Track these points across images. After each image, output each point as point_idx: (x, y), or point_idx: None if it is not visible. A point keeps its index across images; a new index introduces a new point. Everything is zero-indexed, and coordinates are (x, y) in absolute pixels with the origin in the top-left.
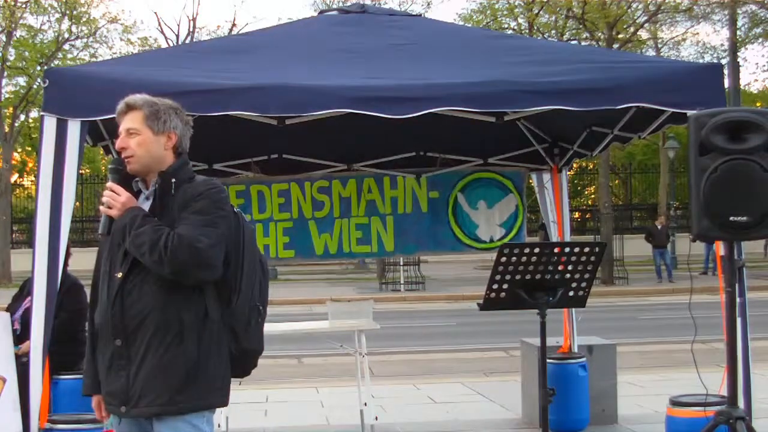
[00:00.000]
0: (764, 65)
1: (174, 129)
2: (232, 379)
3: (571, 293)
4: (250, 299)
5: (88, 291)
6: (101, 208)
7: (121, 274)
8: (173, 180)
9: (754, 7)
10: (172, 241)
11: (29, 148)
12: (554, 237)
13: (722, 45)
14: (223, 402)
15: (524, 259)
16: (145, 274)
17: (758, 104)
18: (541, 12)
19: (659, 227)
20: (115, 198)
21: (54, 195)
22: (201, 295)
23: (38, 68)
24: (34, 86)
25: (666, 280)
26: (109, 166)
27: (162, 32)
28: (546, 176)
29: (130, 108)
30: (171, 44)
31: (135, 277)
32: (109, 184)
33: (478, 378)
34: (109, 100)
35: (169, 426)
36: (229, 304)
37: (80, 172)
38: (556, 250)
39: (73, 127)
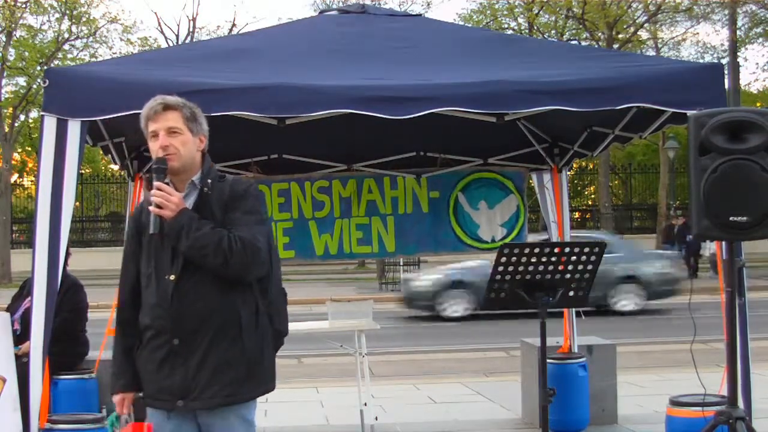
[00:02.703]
0: (764, 65)
1: (205, 132)
2: None
3: (571, 293)
4: (278, 284)
5: (88, 291)
6: (151, 208)
7: (173, 276)
8: (209, 180)
9: (754, 7)
10: (236, 244)
11: (29, 148)
12: (554, 237)
13: (722, 45)
14: (275, 385)
15: (524, 259)
16: (199, 275)
17: (758, 104)
18: (541, 12)
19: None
20: (167, 198)
21: (54, 195)
22: (252, 290)
23: (38, 68)
24: (34, 86)
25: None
26: (154, 166)
27: (162, 32)
28: (546, 176)
29: (168, 107)
30: (171, 44)
31: (190, 278)
32: (158, 183)
33: (478, 378)
34: (109, 100)
35: (223, 415)
36: (266, 291)
37: (80, 172)
38: (556, 250)
39: (73, 127)
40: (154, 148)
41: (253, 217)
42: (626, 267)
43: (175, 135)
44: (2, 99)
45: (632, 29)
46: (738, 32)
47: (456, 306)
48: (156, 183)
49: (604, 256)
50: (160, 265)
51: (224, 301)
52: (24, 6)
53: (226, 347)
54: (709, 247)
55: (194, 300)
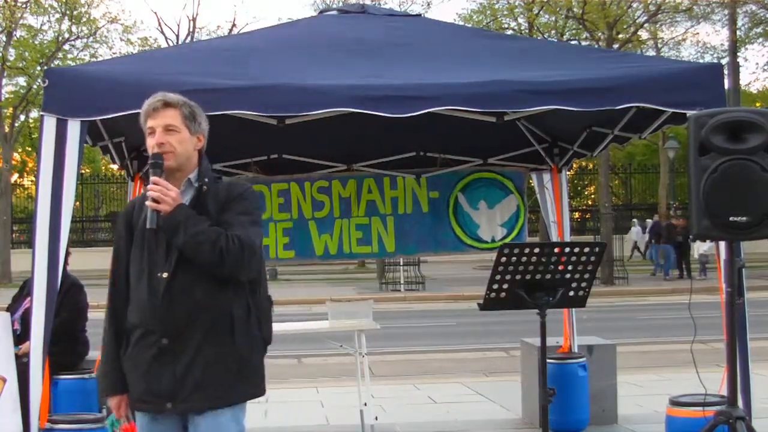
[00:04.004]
0: (764, 65)
1: (204, 131)
2: None
3: (571, 293)
4: (266, 289)
5: (88, 291)
6: (148, 203)
7: (166, 273)
8: (206, 179)
9: (754, 7)
10: (233, 243)
11: (29, 148)
12: (554, 237)
13: (722, 45)
14: (264, 391)
15: (524, 259)
16: (192, 272)
17: (758, 104)
18: (541, 12)
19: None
20: (165, 192)
21: (54, 195)
22: (244, 290)
23: (38, 68)
24: (34, 86)
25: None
26: (150, 161)
27: (162, 32)
28: (546, 176)
29: (168, 105)
30: (171, 44)
31: (183, 275)
32: (155, 178)
33: (478, 378)
34: (109, 100)
35: (213, 418)
36: (257, 294)
37: (80, 172)
38: (556, 250)
39: (73, 127)
40: (151, 144)
41: (249, 218)
42: None
43: (172, 133)
44: (2, 99)
45: (632, 29)
46: (738, 32)
47: None
48: (153, 177)
49: None
50: (154, 262)
51: (216, 299)
52: (24, 6)
53: (216, 347)
54: (697, 248)
55: (185, 298)
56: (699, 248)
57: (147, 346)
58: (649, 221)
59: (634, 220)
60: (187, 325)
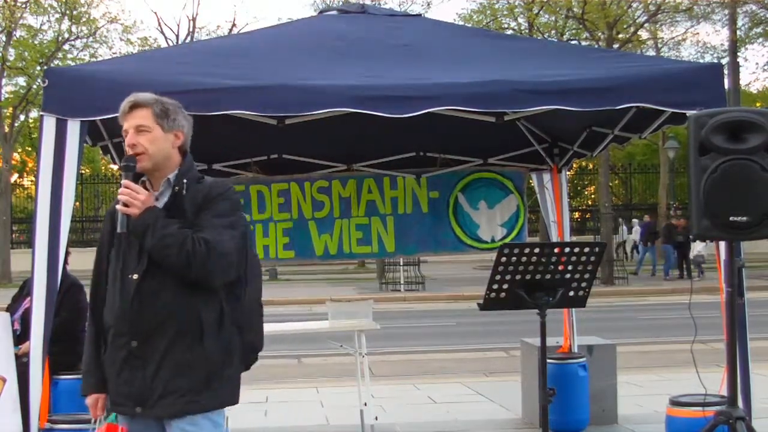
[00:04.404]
0: (764, 65)
1: (181, 128)
2: None
3: (571, 293)
4: (253, 295)
5: (88, 291)
6: (118, 206)
7: (136, 275)
8: (185, 180)
9: (754, 7)
10: (200, 246)
11: (29, 148)
12: (554, 237)
13: (722, 45)
14: (238, 399)
15: (524, 259)
16: (162, 275)
17: (758, 104)
18: (541, 12)
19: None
20: (134, 196)
21: (54, 195)
22: (217, 295)
23: (38, 68)
24: (34, 86)
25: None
26: (122, 164)
27: (162, 32)
28: (546, 176)
29: (139, 105)
30: (171, 44)
31: (152, 278)
32: (126, 181)
33: (478, 378)
34: (109, 100)
35: (189, 422)
36: (238, 300)
37: (80, 172)
38: (556, 250)
39: (73, 127)
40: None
41: (223, 220)
42: None
43: (143, 133)
44: (2, 99)
45: (632, 29)
46: (738, 32)
47: None
48: (123, 181)
49: None
50: (126, 263)
51: (185, 303)
52: (24, 6)
53: (184, 352)
54: (692, 248)
55: (154, 301)
56: (694, 249)
57: (118, 347)
58: (635, 221)
59: (634, 220)
60: (156, 329)
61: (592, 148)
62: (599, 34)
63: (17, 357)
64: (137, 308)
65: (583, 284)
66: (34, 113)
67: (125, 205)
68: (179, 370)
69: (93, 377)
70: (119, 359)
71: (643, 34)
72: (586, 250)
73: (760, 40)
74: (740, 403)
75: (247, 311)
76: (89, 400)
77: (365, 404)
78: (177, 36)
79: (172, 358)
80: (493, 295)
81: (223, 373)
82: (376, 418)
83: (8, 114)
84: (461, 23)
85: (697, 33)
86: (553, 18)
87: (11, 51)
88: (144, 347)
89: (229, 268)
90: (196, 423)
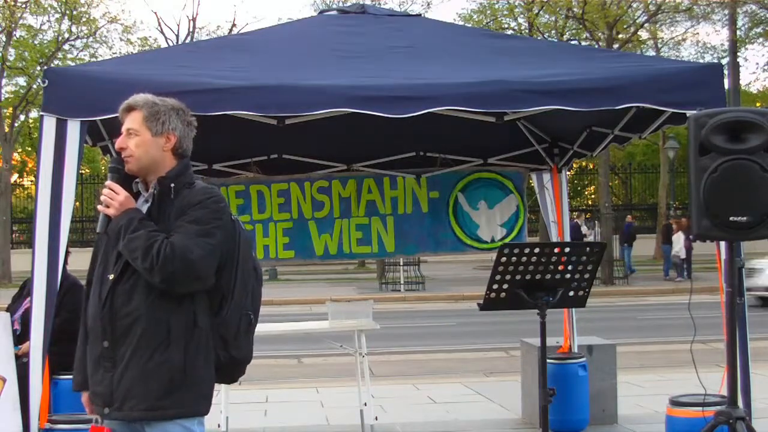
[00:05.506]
0: (764, 65)
1: (173, 130)
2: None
3: (571, 293)
4: (241, 308)
5: None
6: (99, 207)
7: (113, 276)
8: (172, 185)
9: (754, 7)
10: (165, 250)
11: (29, 148)
12: (554, 237)
13: (722, 45)
14: (207, 410)
15: (524, 259)
16: (137, 277)
17: (758, 104)
18: (541, 12)
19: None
20: (113, 197)
21: (54, 195)
22: (191, 303)
23: (38, 68)
24: (34, 86)
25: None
26: (109, 165)
27: (162, 32)
28: (546, 176)
29: (131, 108)
30: (171, 44)
31: (127, 280)
32: (108, 182)
33: (478, 378)
34: (109, 100)
35: (160, 429)
36: (220, 312)
37: (80, 172)
38: (556, 250)
39: (73, 127)
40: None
41: (198, 227)
42: None
43: (131, 136)
44: (2, 99)
45: (632, 29)
46: (738, 32)
47: None
48: (107, 182)
49: None
50: (107, 264)
51: (153, 307)
52: (24, 6)
53: (149, 356)
54: (674, 248)
55: (125, 302)
56: (673, 249)
57: (94, 347)
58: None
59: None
60: (124, 332)
61: (592, 148)
62: (599, 34)
63: (17, 357)
64: (109, 309)
65: (583, 284)
66: (34, 113)
67: (106, 206)
68: (141, 375)
69: (80, 375)
70: (93, 359)
71: (643, 34)
72: (586, 250)
73: (760, 40)
74: (740, 403)
75: (231, 323)
76: (83, 397)
77: (365, 404)
78: (177, 36)
79: (136, 362)
80: (493, 295)
81: (190, 382)
82: (376, 418)
83: (8, 114)
84: (461, 23)
85: (697, 33)
86: (553, 18)
87: (11, 51)
88: (114, 348)
89: (195, 276)
90: (166, 430)
